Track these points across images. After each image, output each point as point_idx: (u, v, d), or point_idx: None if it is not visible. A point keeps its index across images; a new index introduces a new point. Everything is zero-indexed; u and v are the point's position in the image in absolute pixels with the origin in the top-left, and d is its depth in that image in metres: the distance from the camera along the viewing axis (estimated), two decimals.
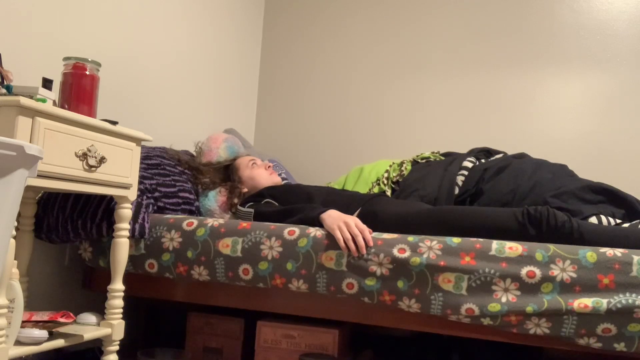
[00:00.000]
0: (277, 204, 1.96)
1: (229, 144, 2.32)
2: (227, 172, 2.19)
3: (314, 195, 1.95)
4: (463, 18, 2.90)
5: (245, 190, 2.14)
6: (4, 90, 1.24)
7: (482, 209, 1.72)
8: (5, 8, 1.64)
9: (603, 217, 1.83)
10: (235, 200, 2.07)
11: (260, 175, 2.16)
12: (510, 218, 1.61)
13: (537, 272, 1.40)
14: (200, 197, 2.07)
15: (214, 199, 2.05)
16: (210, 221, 1.71)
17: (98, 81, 1.43)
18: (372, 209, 1.83)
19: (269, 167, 2.21)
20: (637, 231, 1.59)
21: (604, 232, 1.58)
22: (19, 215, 1.52)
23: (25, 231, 1.55)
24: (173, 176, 1.96)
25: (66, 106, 1.36)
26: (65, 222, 1.65)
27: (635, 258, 1.36)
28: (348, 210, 1.85)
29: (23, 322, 1.24)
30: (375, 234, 1.58)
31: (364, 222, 1.67)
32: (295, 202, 1.93)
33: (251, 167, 2.17)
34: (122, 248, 1.50)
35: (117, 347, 1.49)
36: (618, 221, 1.85)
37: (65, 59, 1.41)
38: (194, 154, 2.32)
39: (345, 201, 1.92)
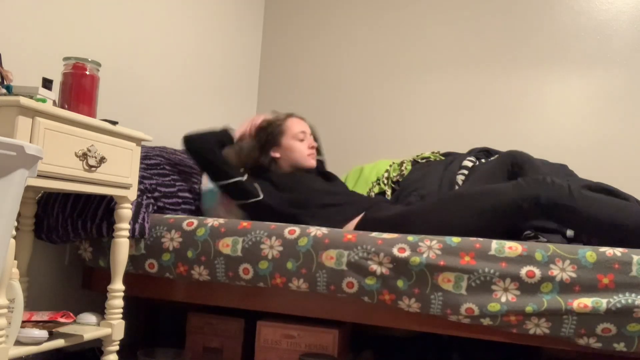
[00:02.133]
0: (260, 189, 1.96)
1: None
2: (268, 128, 2.11)
3: (312, 192, 1.96)
4: (463, 18, 2.90)
5: (277, 155, 2.09)
6: (4, 90, 1.24)
7: (482, 190, 1.73)
8: (5, 8, 1.64)
9: None
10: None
11: (300, 150, 2.08)
12: (514, 204, 1.64)
13: (537, 272, 1.40)
14: (202, 198, 2.07)
15: (213, 199, 2.05)
16: (210, 221, 1.71)
17: (98, 81, 1.43)
18: (369, 218, 1.86)
19: (313, 147, 2.12)
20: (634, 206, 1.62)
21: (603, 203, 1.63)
22: (19, 215, 1.52)
23: (25, 231, 1.56)
24: (172, 176, 1.96)
25: (66, 106, 1.37)
26: (65, 222, 1.65)
27: (635, 258, 1.36)
28: (345, 214, 1.89)
29: (23, 322, 1.24)
30: (375, 234, 1.58)
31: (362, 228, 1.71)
32: (294, 192, 1.95)
33: (298, 139, 2.08)
34: (122, 248, 1.51)
35: (117, 347, 1.49)
36: None
37: (65, 59, 1.41)
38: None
39: (342, 206, 1.94)
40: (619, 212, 1.60)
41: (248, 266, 1.62)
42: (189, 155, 1.97)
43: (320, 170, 2.22)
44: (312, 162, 2.12)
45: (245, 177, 1.95)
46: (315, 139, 2.19)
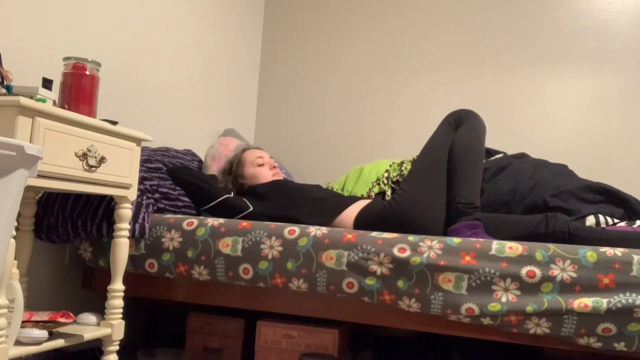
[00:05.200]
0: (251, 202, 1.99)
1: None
2: (231, 166, 2.20)
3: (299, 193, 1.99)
4: (463, 18, 2.90)
5: (248, 183, 2.15)
6: (4, 90, 1.24)
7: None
8: (5, 8, 1.64)
9: (601, 217, 1.84)
10: None
11: (263, 174, 2.16)
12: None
13: (537, 271, 1.40)
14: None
15: None
16: (210, 221, 1.71)
17: (98, 81, 1.43)
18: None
19: (274, 167, 2.20)
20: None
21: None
22: (19, 215, 1.52)
23: (25, 231, 1.55)
24: None
25: (66, 106, 1.36)
26: (65, 222, 1.65)
27: (635, 258, 1.36)
28: (338, 206, 1.93)
29: (23, 322, 1.24)
30: (375, 233, 1.58)
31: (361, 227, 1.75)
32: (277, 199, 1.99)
33: (256, 165, 2.16)
34: (122, 248, 1.50)
35: (117, 347, 1.49)
36: (616, 220, 1.85)
37: (65, 59, 1.41)
38: (200, 157, 2.32)
39: (333, 198, 1.97)
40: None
41: (248, 266, 1.62)
42: (176, 184, 1.99)
43: None
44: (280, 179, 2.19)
45: (232, 194, 1.99)
46: None
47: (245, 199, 1.98)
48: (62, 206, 1.66)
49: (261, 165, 2.17)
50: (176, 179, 1.97)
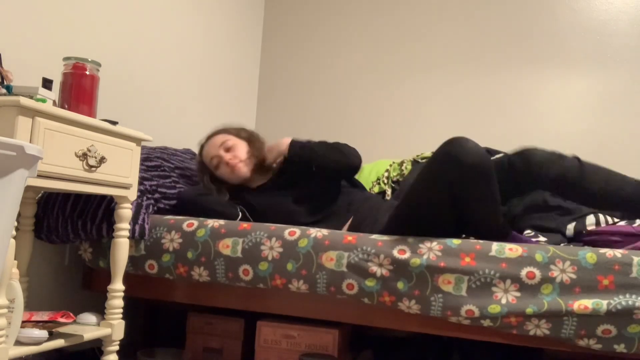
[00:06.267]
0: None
1: None
2: (207, 172, 2.09)
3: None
4: (463, 18, 2.90)
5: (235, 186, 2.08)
6: (4, 90, 1.24)
7: None
8: (5, 8, 1.64)
9: (601, 216, 1.84)
10: None
11: (226, 176, 2.04)
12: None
13: (537, 273, 1.40)
14: None
15: None
16: (210, 222, 1.71)
17: (98, 81, 1.43)
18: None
19: (227, 163, 2.00)
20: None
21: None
22: (19, 215, 1.52)
23: (25, 231, 1.55)
24: (173, 178, 1.96)
25: (66, 106, 1.36)
26: (65, 223, 1.65)
27: (635, 259, 1.36)
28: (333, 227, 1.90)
29: (23, 322, 1.24)
30: (375, 236, 1.58)
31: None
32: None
33: (214, 168, 2.04)
34: (122, 248, 1.50)
35: (117, 347, 1.49)
36: (616, 220, 1.85)
37: (65, 59, 1.41)
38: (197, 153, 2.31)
39: (325, 220, 1.95)
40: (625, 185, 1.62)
41: (248, 267, 1.62)
42: (193, 209, 1.89)
43: (290, 174, 2.06)
44: (239, 176, 2.01)
45: (240, 214, 1.91)
46: (253, 140, 2.10)
47: (245, 211, 1.95)
48: (62, 206, 1.66)
49: (217, 167, 2.03)
50: (196, 207, 1.88)
